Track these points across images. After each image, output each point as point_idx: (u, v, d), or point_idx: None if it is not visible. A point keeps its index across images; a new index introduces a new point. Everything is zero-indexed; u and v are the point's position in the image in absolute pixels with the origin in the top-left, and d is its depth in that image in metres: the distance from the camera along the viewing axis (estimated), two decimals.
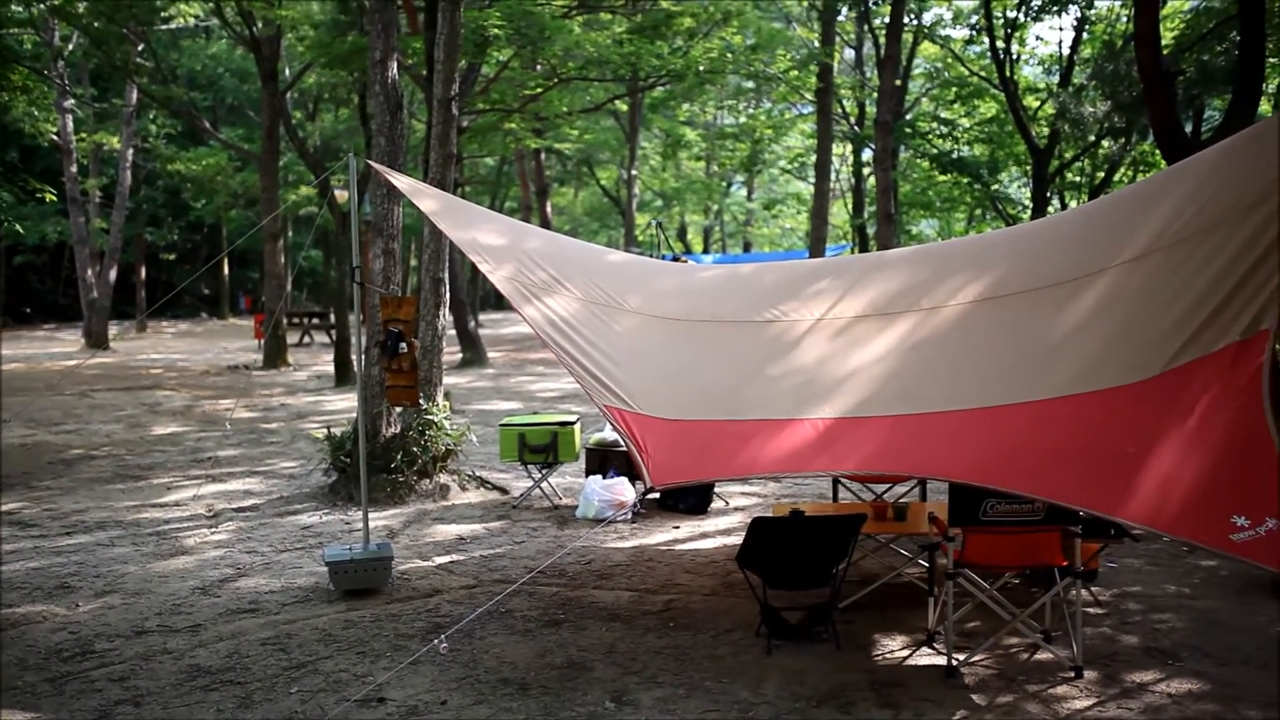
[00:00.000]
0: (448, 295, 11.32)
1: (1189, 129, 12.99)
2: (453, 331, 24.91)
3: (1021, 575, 7.87)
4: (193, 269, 51.53)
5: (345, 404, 18.45)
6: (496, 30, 15.07)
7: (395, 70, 11.14)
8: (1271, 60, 14.64)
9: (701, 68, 18.36)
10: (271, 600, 7.81)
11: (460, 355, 25.68)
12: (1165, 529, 5.43)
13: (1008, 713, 5.78)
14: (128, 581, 8.28)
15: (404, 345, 8.13)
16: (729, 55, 19.07)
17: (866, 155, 31.93)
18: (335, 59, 18.63)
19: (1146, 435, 5.76)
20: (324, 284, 40.79)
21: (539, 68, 17.87)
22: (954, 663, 6.36)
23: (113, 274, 30.33)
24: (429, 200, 7.69)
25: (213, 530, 9.87)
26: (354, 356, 21.10)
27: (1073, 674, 6.27)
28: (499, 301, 59.59)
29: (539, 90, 18.46)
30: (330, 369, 22.95)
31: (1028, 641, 6.80)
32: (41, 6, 20.67)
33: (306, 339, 32.51)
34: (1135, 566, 8.52)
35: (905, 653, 6.70)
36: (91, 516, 10.45)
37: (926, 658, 6.60)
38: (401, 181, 7.77)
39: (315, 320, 32.88)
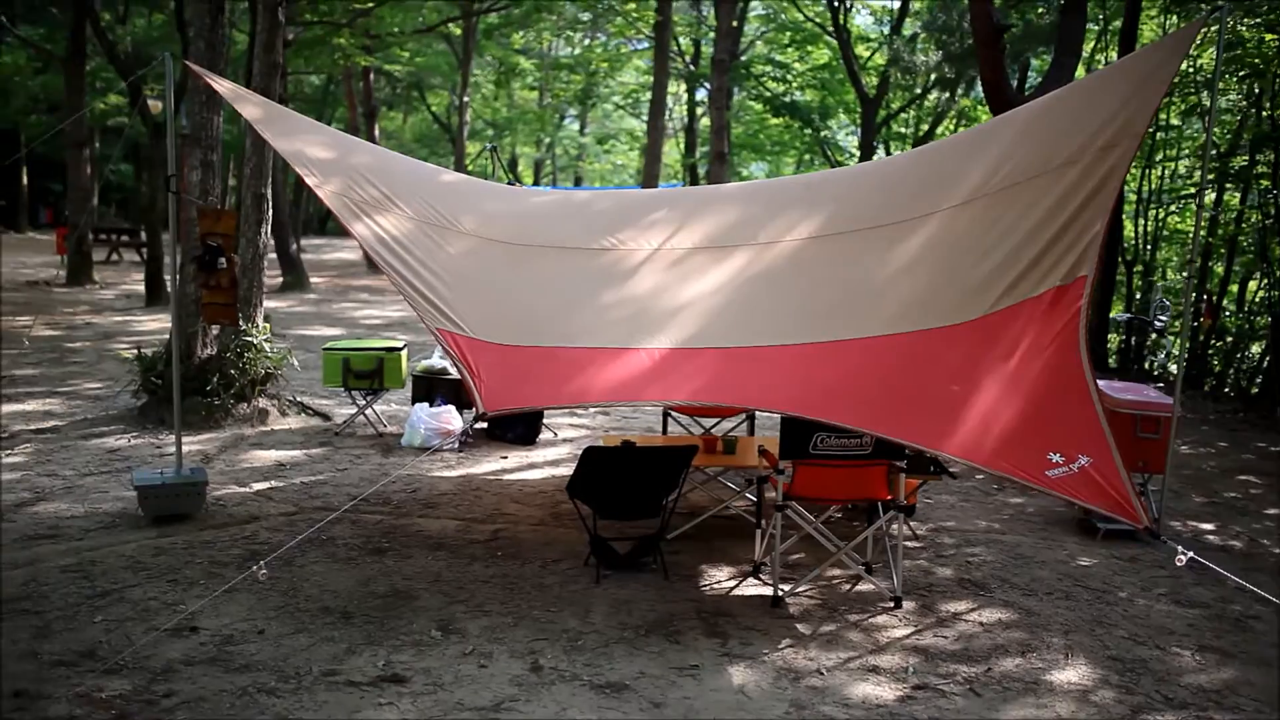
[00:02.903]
0: (270, 213, 10.81)
1: (1014, 84, 13.39)
2: (274, 255, 24.01)
3: (844, 510, 8.07)
4: None
5: (157, 325, 17.55)
6: None
7: None
8: (1091, 27, 15.20)
9: None
10: (73, 526, 7.36)
11: (281, 279, 24.79)
12: (984, 463, 5.59)
13: (830, 641, 5.90)
14: None
15: (223, 261, 7.70)
16: None
17: (700, 95, 32.06)
18: None
19: (969, 374, 5.92)
20: (134, 200, 38.72)
21: None
22: (779, 593, 6.46)
23: None
24: (252, 107, 7.25)
25: (8, 452, 9.25)
26: (167, 276, 20.14)
27: (892, 604, 6.45)
28: (322, 226, 57.81)
29: (370, 4, 17.71)
30: (141, 288, 21.81)
31: (850, 574, 6.97)
32: None
33: (115, 257, 30.79)
34: (950, 503, 8.83)
35: (732, 583, 6.77)
36: None
37: (753, 588, 6.69)
38: (223, 86, 7.30)
39: (125, 238, 31.15)
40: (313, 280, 26.39)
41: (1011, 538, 7.97)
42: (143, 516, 7.51)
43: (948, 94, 16.38)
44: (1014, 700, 5.28)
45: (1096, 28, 16.43)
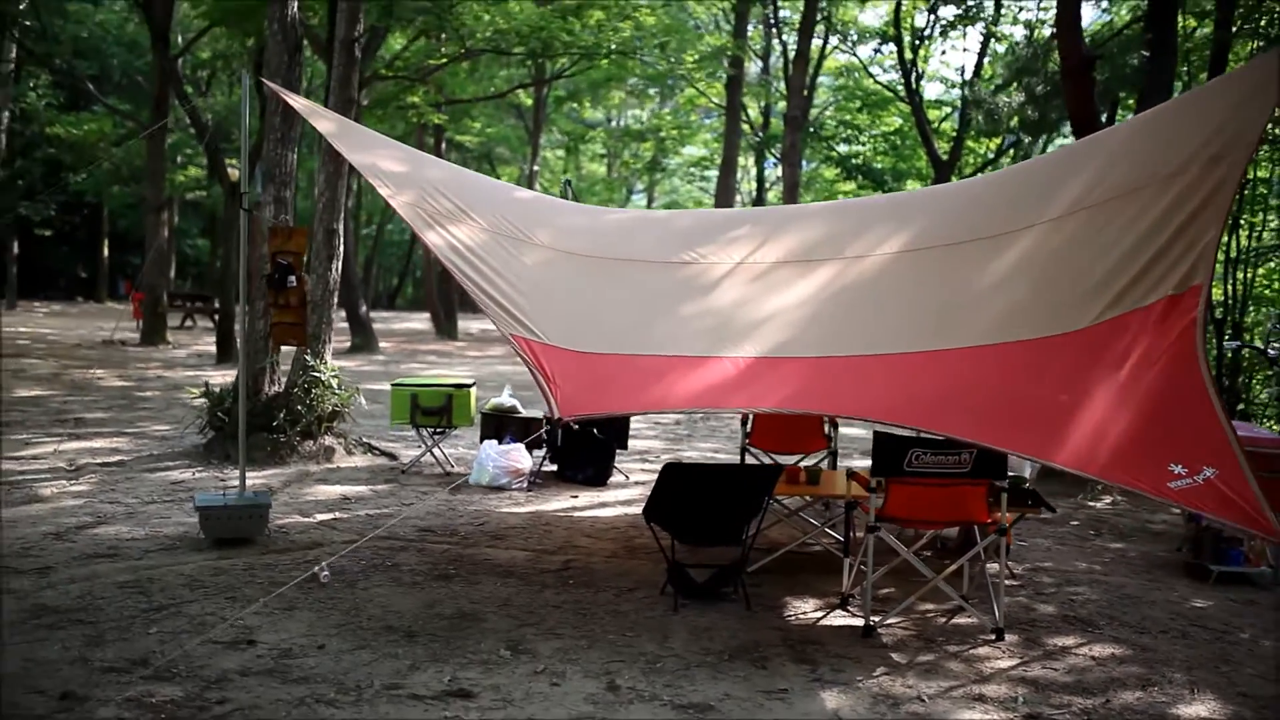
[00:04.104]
0: (341, 248, 10.71)
1: (1103, 118, 13.01)
2: (344, 324, 24.09)
3: (934, 548, 7.64)
4: (70, 251, 49.47)
5: (226, 379, 17.52)
6: None
7: (295, 9, 10.51)
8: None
9: (613, 45, 17.93)
10: (133, 547, 7.14)
11: (350, 342, 24.82)
12: (1097, 474, 5.19)
13: (929, 670, 5.46)
14: None
15: (293, 278, 7.54)
16: (639, 36, 18.63)
17: (769, 169, 32.03)
18: (230, 15, 17.77)
19: (1077, 384, 5.53)
20: (209, 274, 39.33)
21: (444, 37, 17.23)
22: (871, 623, 6.02)
23: None
24: (326, 122, 7.13)
25: (72, 482, 9.10)
26: (238, 326, 20.20)
27: (994, 636, 5.99)
28: (391, 301, 58.49)
29: (444, 60, 17.83)
30: (212, 349, 21.92)
31: (944, 607, 6.51)
32: None
33: (189, 322, 31.17)
34: (1045, 546, 8.32)
35: (819, 614, 6.34)
36: None
37: (841, 619, 6.26)
38: (298, 102, 7.22)
39: (199, 304, 31.55)
40: (381, 345, 26.40)
41: (1115, 579, 7.44)
42: (204, 539, 7.26)
43: (1030, 138, 16.06)
44: None
45: (1180, 82, 16.06)
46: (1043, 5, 17.49)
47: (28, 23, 24.85)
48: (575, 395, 5.60)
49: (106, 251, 45.24)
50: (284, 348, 10.77)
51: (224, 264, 23.31)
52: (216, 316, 24.13)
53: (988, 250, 6.47)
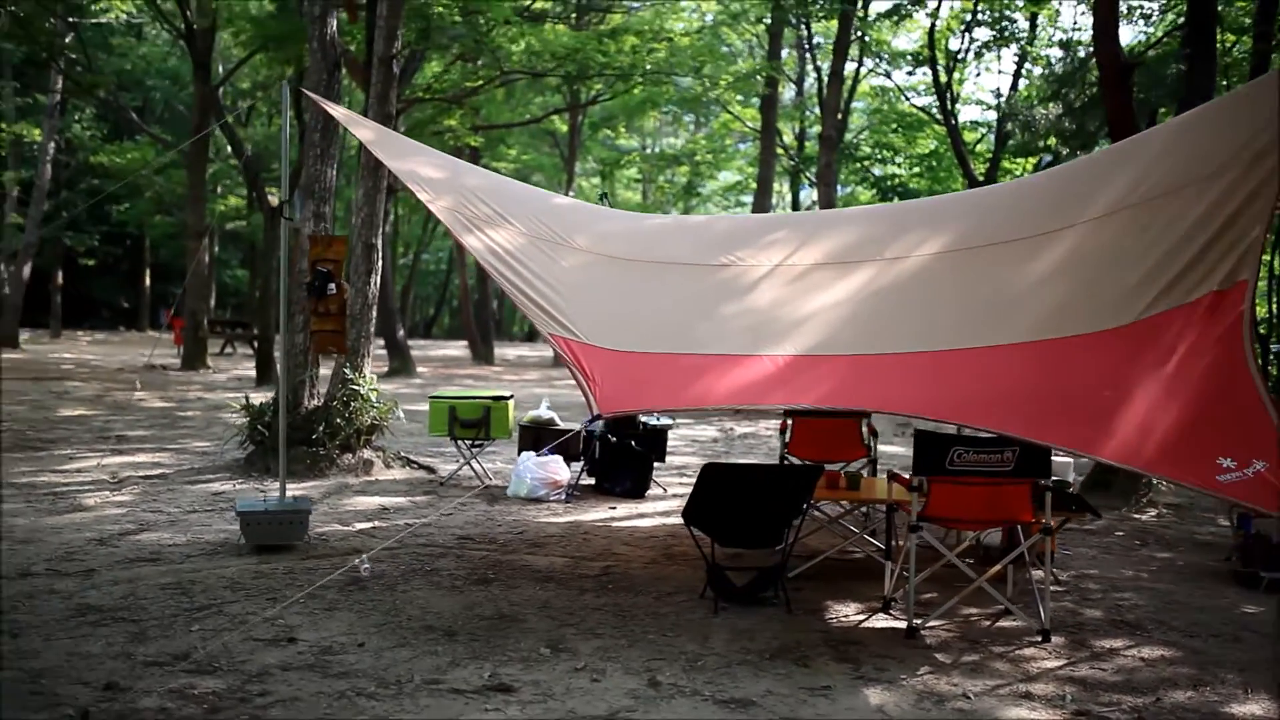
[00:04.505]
0: (379, 263, 10.78)
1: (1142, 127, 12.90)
2: (381, 351, 24.21)
3: (976, 555, 7.55)
4: (113, 281, 50.16)
5: (266, 397, 17.63)
6: (441, 8, 14.61)
7: (334, 27, 10.65)
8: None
9: (648, 66, 18.02)
10: (175, 552, 7.18)
11: (388, 365, 24.96)
12: (1144, 467, 5.14)
13: (975, 669, 5.38)
14: (16, 531, 7.59)
15: (333, 286, 7.59)
16: (673, 59, 18.71)
17: (804, 195, 32.03)
18: (271, 39, 18.00)
19: (1122, 379, 5.48)
20: (249, 305, 39.74)
21: (481, 61, 17.40)
22: (914, 624, 5.95)
23: (27, 270, 29.12)
24: (365, 130, 7.21)
25: (115, 492, 9.18)
26: (278, 354, 20.35)
27: (1039, 638, 5.89)
28: (427, 330, 58.81)
29: (480, 83, 17.99)
30: (252, 373, 22.10)
31: (989, 611, 6.42)
32: None
33: (229, 349, 31.47)
34: (1090, 555, 8.20)
35: (860, 617, 6.28)
36: None
37: (883, 622, 6.19)
38: (338, 110, 7.31)
39: (239, 330, 31.83)
40: (419, 369, 26.52)
41: (1163, 586, 7.32)
42: (244, 545, 7.30)
43: (1068, 151, 15.95)
44: None
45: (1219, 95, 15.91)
46: (1076, 26, 17.46)
47: (73, 56, 25.34)
48: (615, 392, 5.60)
49: (148, 281, 45.82)
50: (323, 364, 10.86)
51: (263, 290, 23.58)
52: (256, 343, 24.36)
53: (1029, 250, 6.42)
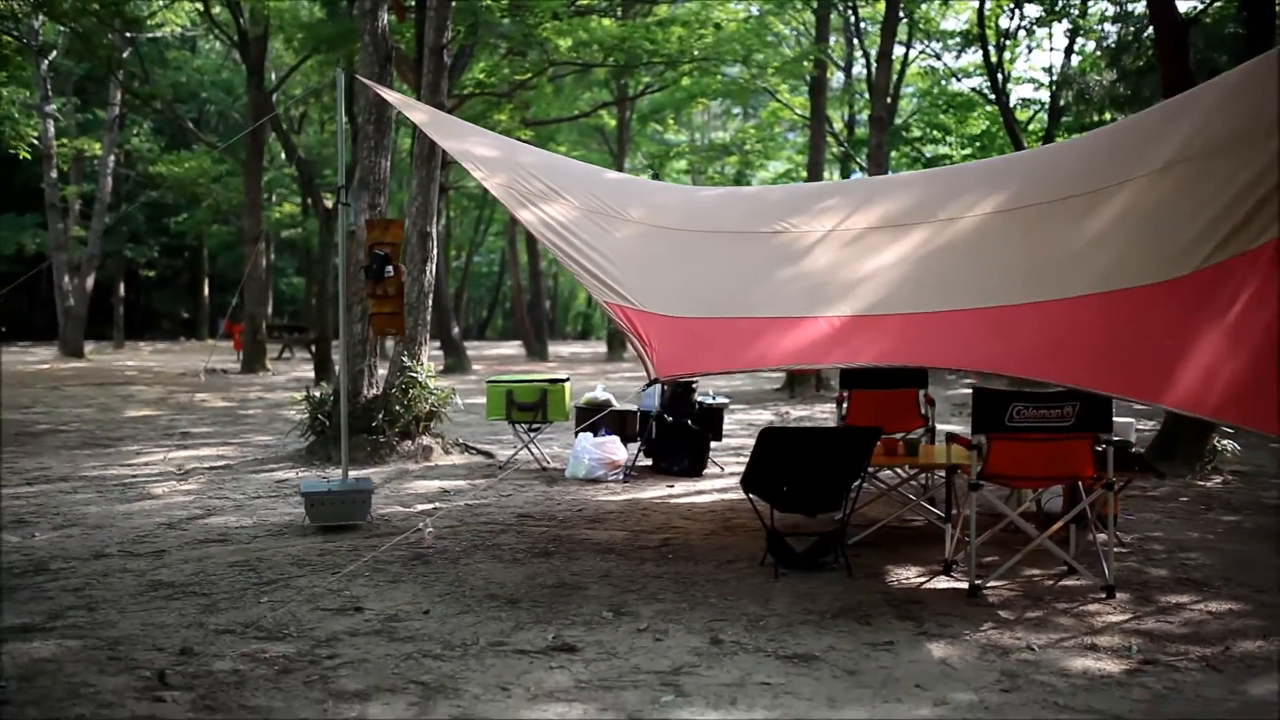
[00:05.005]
0: (435, 251, 10.89)
1: None
2: (437, 351, 24.43)
3: (1038, 520, 7.48)
4: (173, 293, 51.11)
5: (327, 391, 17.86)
6: (489, 2, 14.72)
7: (385, 20, 10.77)
8: None
9: (696, 52, 18.02)
10: (242, 533, 7.31)
11: (444, 362, 25.17)
12: (1210, 414, 5.08)
13: (1038, 625, 5.35)
14: (89, 518, 7.78)
15: (390, 269, 7.68)
16: (721, 44, 18.67)
17: (855, 178, 31.79)
18: (323, 41, 18.24)
19: (1184, 328, 5.42)
20: (305, 311, 40.25)
21: (529, 56, 17.48)
22: (976, 584, 5.91)
23: (90, 281, 29.72)
24: (419, 113, 7.30)
25: (181, 482, 9.36)
26: (335, 357, 20.58)
27: (1104, 595, 5.84)
28: (481, 331, 59.23)
29: (529, 75, 18.10)
30: (310, 374, 22.39)
31: (1051, 572, 6.37)
32: (23, 1, 20.17)
33: (286, 354, 31.88)
34: (1153, 519, 8.10)
35: (921, 580, 6.25)
36: (54, 472, 9.92)
37: (944, 584, 6.16)
38: (392, 95, 7.40)
39: (296, 334, 32.25)
40: (474, 366, 26.73)
41: (1230, 546, 7.21)
42: (309, 525, 7.41)
43: (1124, 116, 15.69)
44: (1261, 676, 4.64)
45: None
46: None
47: (132, 70, 25.82)
48: (672, 356, 5.63)
49: (207, 292, 46.59)
50: (381, 355, 10.99)
51: (319, 293, 23.88)
52: (314, 346, 24.66)
53: (1086, 206, 6.36)
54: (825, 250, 6.59)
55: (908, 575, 6.34)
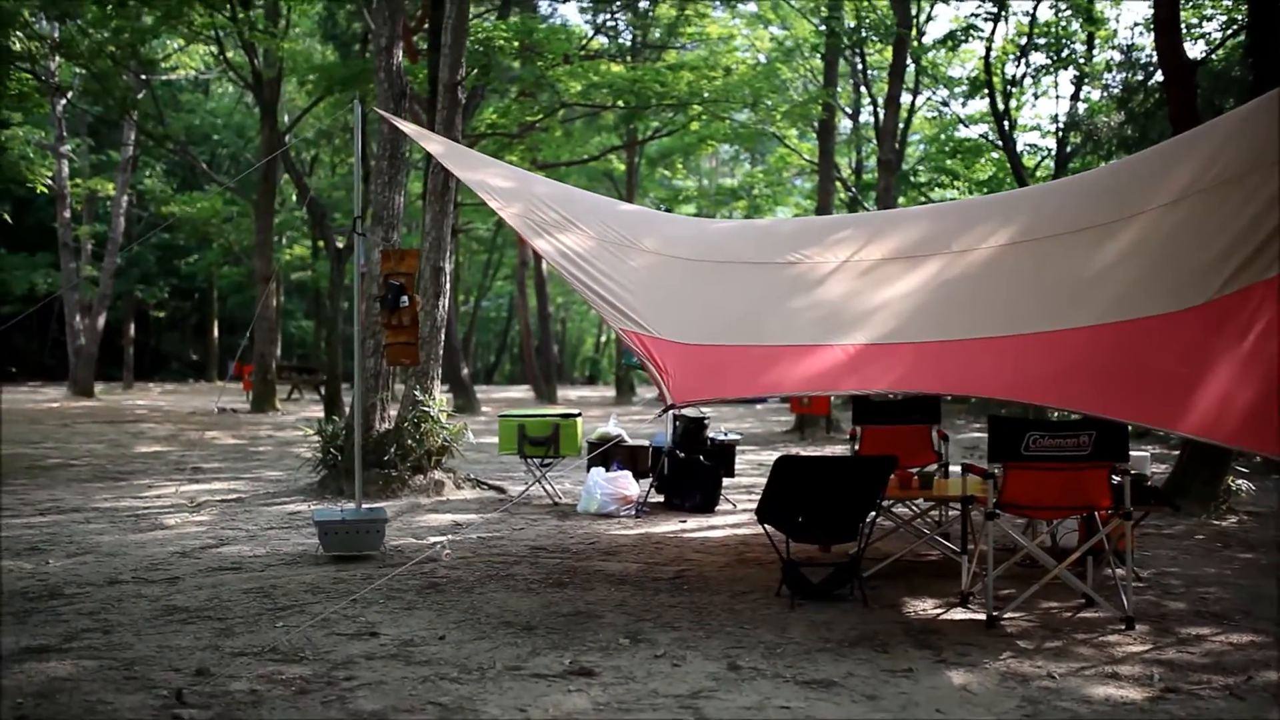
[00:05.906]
0: (447, 286, 10.94)
1: None
2: (447, 393, 24.41)
3: (1053, 552, 7.44)
4: (182, 335, 51.31)
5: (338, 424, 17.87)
6: (502, 40, 14.89)
7: (400, 58, 10.90)
8: None
9: (705, 94, 18.18)
10: (255, 562, 7.30)
11: (453, 404, 25.17)
12: (1225, 440, 5.08)
13: (1058, 654, 5.31)
14: (102, 547, 7.78)
15: (405, 299, 7.71)
16: (731, 89, 18.84)
17: None
18: (337, 82, 18.44)
19: (1199, 357, 5.43)
20: (314, 354, 40.39)
21: (541, 97, 17.67)
22: (994, 614, 5.88)
23: (101, 321, 29.83)
24: (435, 144, 7.37)
25: (194, 514, 9.36)
26: (346, 394, 20.60)
27: (1123, 626, 5.80)
28: (489, 376, 59.27)
29: (540, 115, 18.27)
30: (320, 414, 22.37)
31: (1069, 604, 6.34)
32: (41, 43, 20.41)
33: (296, 394, 31.91)
34: (1169, 555, 8.05)
35: (938, 611, 6.22)
36: (67, 503, 9.92)
37: (962, 614, 6.13)
38: (408, 126, 7.47)
39: (305, 375, 32.30)
40: (483, 408, 26.74)
41: (1248, 582, 7.17)
42: (322, 554, 7.40)
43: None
44: None
45: None
46: (1138, 26, 17.24)
47: (146, 111, 26.10)
48: (687, 382, 5.65)
49: (216, 334, 46.71)
50: (393, 391, 11.00)
51: (329, 332, 23.97)
52: (323, 387, 24.68)
53: (1098, 237, 6.38)
54: (839, 280, 6.63)
55: (924, 607, 6.30)
